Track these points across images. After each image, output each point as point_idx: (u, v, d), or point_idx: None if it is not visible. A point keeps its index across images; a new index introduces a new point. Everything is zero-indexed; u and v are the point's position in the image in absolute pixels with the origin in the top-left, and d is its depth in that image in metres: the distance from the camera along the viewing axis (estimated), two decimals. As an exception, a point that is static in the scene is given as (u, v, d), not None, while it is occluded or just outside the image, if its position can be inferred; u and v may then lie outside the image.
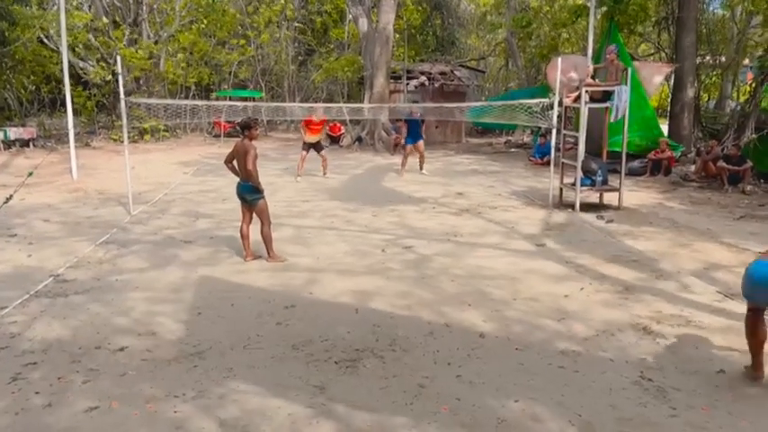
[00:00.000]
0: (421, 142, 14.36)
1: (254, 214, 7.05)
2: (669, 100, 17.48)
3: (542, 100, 10.48)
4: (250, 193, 6.94)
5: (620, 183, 10.40)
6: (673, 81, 17.05)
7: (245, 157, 6.75)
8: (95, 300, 5.75)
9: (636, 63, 16.26)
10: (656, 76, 16.66)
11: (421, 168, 14.61)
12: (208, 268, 6.81)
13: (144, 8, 23.74)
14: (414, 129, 14.25)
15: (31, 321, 5.20)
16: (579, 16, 19.86)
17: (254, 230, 7.11)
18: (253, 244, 7.15)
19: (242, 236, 7.11)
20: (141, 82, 23.45)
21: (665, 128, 16.98)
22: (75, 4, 22.39)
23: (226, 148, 15.24)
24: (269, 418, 3.66)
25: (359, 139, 21.72)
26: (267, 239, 7.04)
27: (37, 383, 4.08)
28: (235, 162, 7.00)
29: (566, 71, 10.44)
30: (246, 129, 6.92)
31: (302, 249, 7.62)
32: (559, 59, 10.53)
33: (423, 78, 24.47)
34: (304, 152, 13.52)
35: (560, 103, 10.18)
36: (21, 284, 6.15)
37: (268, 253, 7.07)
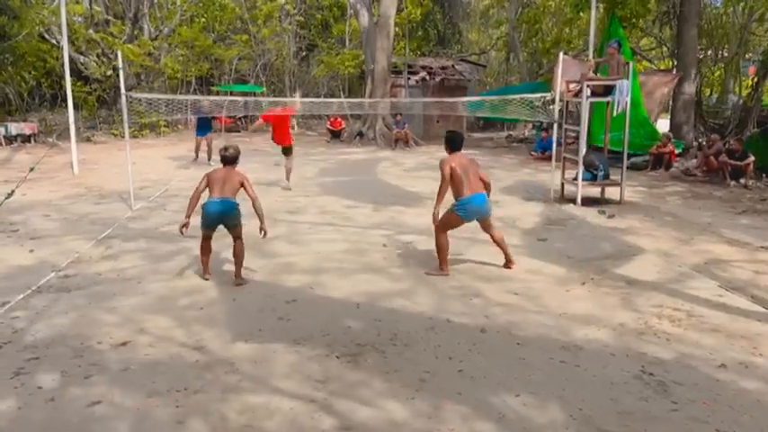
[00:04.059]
0: (209, 134, 15.70)
1: (233, 235, 6.13)
2: (671, 95, 17.42)
3: (543, 94, 10.46)
4: (236, 211, 6.05)
5: (621, 177, 10.38)
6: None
7: (245, 184, 6.08)
8: (97, 295, 5.76)
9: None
10: (659, 89, 16.55)
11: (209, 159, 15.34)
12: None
13: (145, 2, 23.68)
14: (203, 124, 15.63)
15: (33, 316, 5.21)
16: (581, 10, 19.81)
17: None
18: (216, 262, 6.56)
19: (206, 252, 6.21)
20: (142, 77, 23.39)
21: (666, 122, 16.95)
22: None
23: (226, 142, 15.15)
24: (271, 413, 3.68)
25: (360, 134, 21.70)
26: (242, 257, 6.17)
27: (40, 378, 4.09)
28: (207, 188, 6.10)
29: (566, 74, 10.47)
30: (235, 162, 6.22)
31: (301, 246, 7.62)
32: (561, 55, 10.50)
33: (423, 73, 24.41)
34: None
35: (561, 98, 10.16)
36: (23, 280, 6.16)
37: (239, 273, 6.14)
